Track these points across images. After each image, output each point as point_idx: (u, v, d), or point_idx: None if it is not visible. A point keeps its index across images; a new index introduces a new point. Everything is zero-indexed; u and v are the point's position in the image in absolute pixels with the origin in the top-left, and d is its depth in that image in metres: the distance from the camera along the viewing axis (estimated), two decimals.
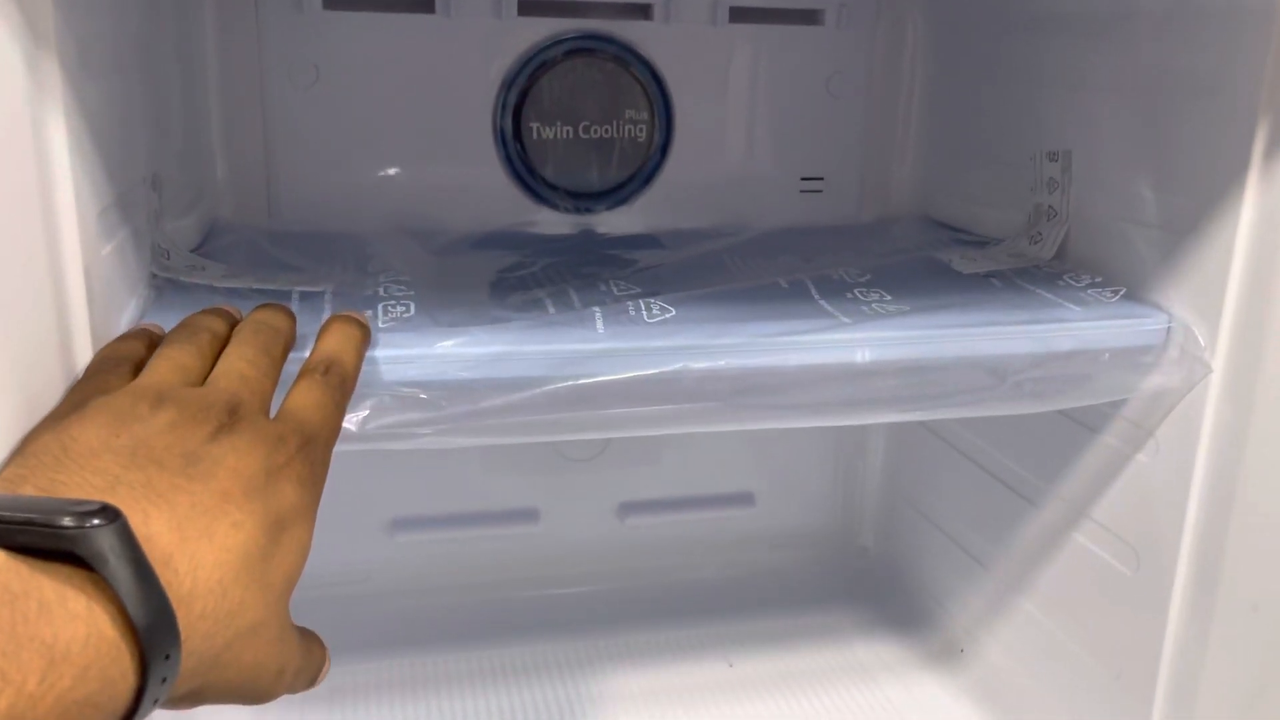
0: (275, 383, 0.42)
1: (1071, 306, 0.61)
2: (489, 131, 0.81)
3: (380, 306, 0.55)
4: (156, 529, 0.32)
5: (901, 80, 0.87)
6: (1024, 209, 0.75)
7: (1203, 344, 0.59)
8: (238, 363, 0.41)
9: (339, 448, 0.44)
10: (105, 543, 0.29)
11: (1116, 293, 0.64)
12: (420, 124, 0.79)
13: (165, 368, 0.40)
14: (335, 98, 0.78)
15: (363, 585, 0.88)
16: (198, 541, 0.33)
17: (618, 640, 0.86)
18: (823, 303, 0.59)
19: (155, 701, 0.30)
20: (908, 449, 0.93)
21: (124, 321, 0.51)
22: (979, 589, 0.83)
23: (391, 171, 0.80)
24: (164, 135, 0.64)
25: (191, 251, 0.65)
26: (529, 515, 0.90)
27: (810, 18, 0.85)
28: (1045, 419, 0.71)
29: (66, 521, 0.29)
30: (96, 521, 0.29)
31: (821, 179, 0.88)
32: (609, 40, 0.81)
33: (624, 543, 0.93)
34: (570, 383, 0.52)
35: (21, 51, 0.39)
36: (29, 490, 0.32)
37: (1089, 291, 0.64)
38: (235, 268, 0.62)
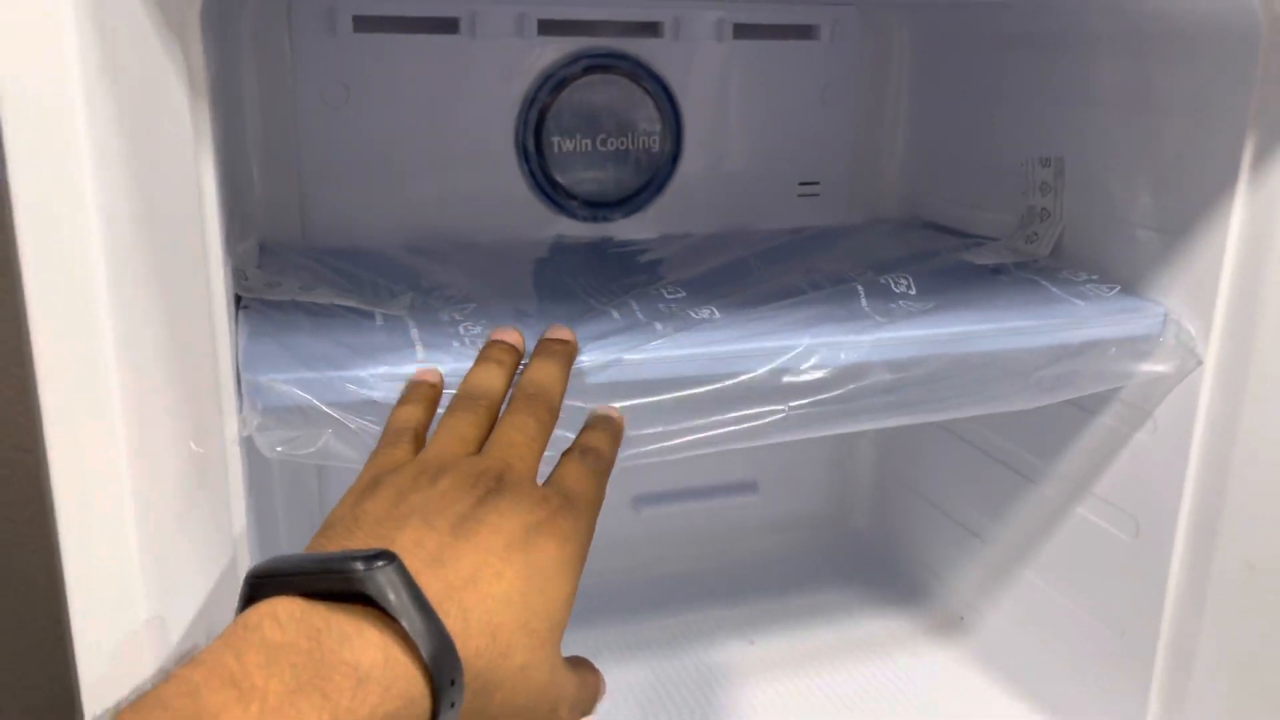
0: (543, 447, 0.47)
1: (1076, 301, 0.68)
2: (511, 146, 0.84)
3: (460, 328, 0.59)
4: (425, 581, 0.36)
5: (889, 90, 0.93)
6: (1015, 210, 0.81)
7: (1194, 335, 0.66)
8: (509, 430, 0.46)
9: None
10: (386, 580, 0.34)
11: (1113, 288, 0.70)
12: (446, 140, 0.83)
13: (447, 440, 0.45)
14: (364, 117, 0.80)
15: None
16: (463, 590, 0.37)
17: (642, 625, 0.91)
18: (864, 304, 0.64)
19: None
20: (899, 433, 1.00)
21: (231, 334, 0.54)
22: (977, 561, 0.90)
23: (418, 187, 0.83)
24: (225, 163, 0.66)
25: (256, 268, 0.68)
26: None
27: (806, 33, 0.90)
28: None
29: (354, 566, 0.34)
30: (379, 563, 0.34)
31: (817, 183, 0.94)
32: (623, 57, 0.85)
33: (639, 533, 0.98)
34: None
35: (186, 101, 0.42)
36: None
37: (1087, 287, 0.70)
38: (305, 282, 0.65)
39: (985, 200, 0.85)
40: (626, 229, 0.89)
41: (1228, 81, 0.62)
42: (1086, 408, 0.75)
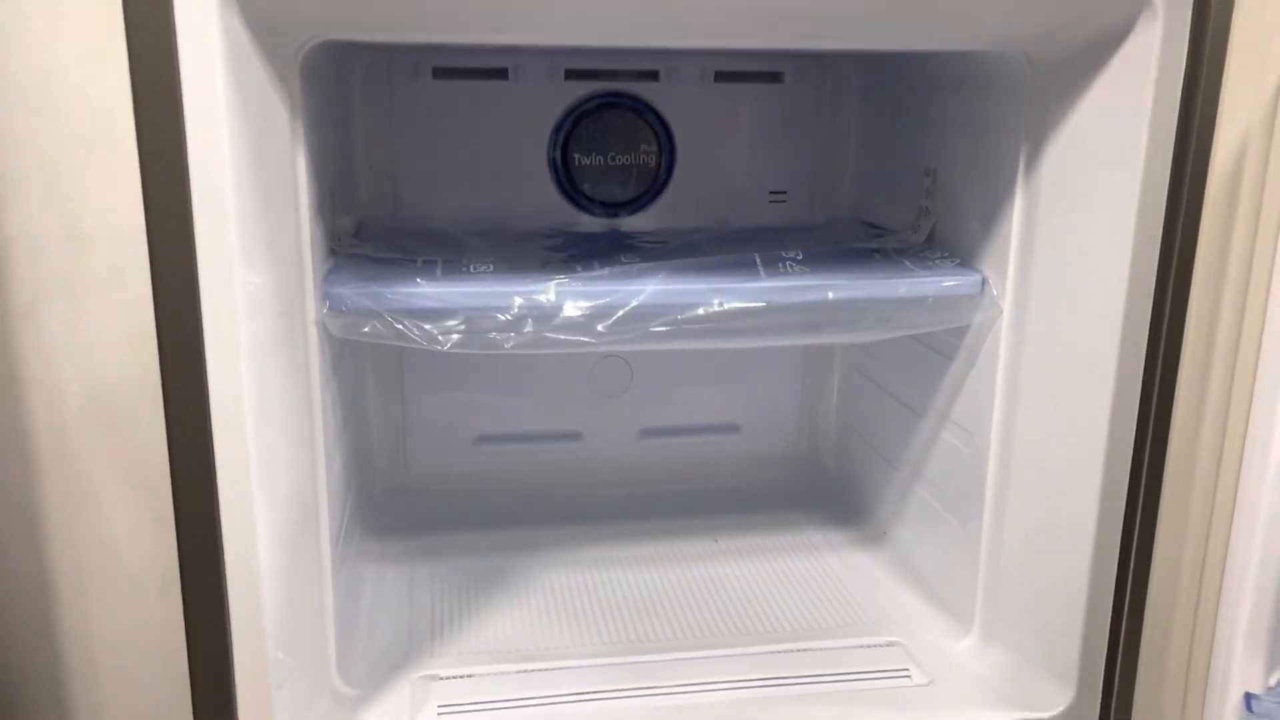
0: None
1: (918, 270, 0.94)
2: (544, 160, 1.15)
3: (470, 267, 0.90)
4: None
5: (841, 120, 1.20)
6: (914, 209, 1.07)
7: (996, 294, 0.91)
8: None
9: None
10: None
11: (955, 261, 0.96)
12: (497, 155, 1.15)
13: None
14: (441, 139, 1.13)
15: (454, 483, 1.23)
16: None
17: (636, 526, 1.19)
18: (759, 268, 0.92)
19: None
20: (854, 391, 1.25)
21: (323, 271, 0.86)
22: (894, 487, 1.14)
23: (477, 188, 1.15)
24: (332, 166, 1.00)
25: (351, 236, 1.01)
26: (574, 436, 1.24)
27: (774, 78, 1.18)
28: (922, 353, 1.03)
29: None
30: None
31: (785, 192, 1.21)
32: (628, 96, 1.15)
33: (643, 458, 1.26)
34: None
35: (287, 117, 0.75)
36: None
37: (937, 260, 0.96)
38: (378, 247, 0.98)
39: (903, 203, 1.11)
40: (632, 223, 1.19)
41: (1009, 111, 0.88)
42: (945, 354, 1.00)
